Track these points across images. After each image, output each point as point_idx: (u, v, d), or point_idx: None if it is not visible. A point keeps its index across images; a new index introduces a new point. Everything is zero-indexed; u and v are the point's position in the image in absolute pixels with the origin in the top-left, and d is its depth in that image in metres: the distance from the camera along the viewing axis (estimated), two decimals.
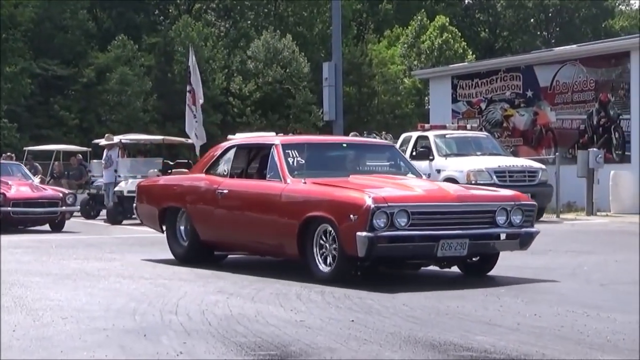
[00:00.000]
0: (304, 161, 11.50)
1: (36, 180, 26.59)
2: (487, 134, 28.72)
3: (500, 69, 33.95)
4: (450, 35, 65.46)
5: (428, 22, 66.98)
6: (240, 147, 13.23)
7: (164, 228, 13.72)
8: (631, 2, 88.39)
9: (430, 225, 10.31)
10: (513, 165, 24.28)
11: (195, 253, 13.05)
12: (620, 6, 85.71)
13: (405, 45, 67.86)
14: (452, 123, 31.49)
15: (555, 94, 31.18)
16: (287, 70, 59.43)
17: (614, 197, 26.86)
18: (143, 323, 8.10)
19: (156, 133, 42.20)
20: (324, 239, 10.42)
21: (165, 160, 26.64)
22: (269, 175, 11.77)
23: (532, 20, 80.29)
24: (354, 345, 7.08)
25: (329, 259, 10.41)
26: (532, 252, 12.31)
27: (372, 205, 9.78)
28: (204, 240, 12.85)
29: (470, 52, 66.09)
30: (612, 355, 6.77)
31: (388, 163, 13.05)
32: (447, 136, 26.14)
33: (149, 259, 14.26)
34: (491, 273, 11.65)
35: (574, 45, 36.37)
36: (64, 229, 22.76)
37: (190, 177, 14.16)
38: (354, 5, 69.35)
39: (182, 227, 13.24)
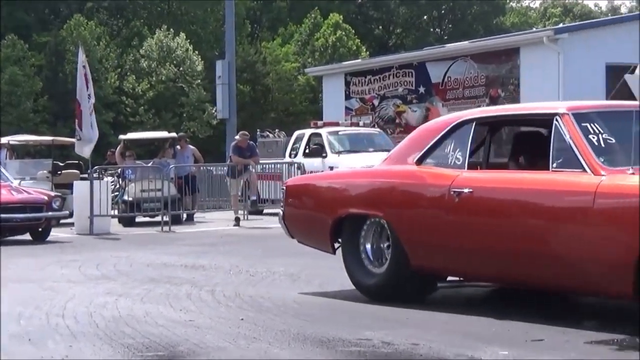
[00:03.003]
0: (613, 140, 7.47)
1: None
2: (379, 130, 29.12)
3: (393, 65, 34.43)
4: (344, 33, 65.77)
5: (322, 19, 67.12)
6: (481, 123, 8.68)
7: (339, 246, 9.37)
8: None
9: None
10: None
11: (399, 284, 8.65)
12: (511, 3, 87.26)
13: (299, 43, 67.98)
14: (345, 120, 31.78)
15: (447, 90, 31.71)
16: (181, 68, 59.45)
17: None
18: (29, 327, 7.90)
19: (47, 133, 41.59)
20: None
21: (55, 162, 26.01)
22: (555, 165, 7.51)
23: (425, 17, 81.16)
24: (243, 343, 7.05)
25: None
26: None
27: None
28: (417, 266, 8.44)
29: (364, 49, 66.47)
30: (498, 346, 6.81)
31: None
32: (339, 133, 26.37)
33: (37, 261, 13.85)
34: None
35: (466, 42, 36.94)
36: None
37: (386, 170, 9.23)
38: (247, 3, 69.31)
39: (368, 246, 8.94)
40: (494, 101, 29.89)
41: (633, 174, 6.96)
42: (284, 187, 10.25)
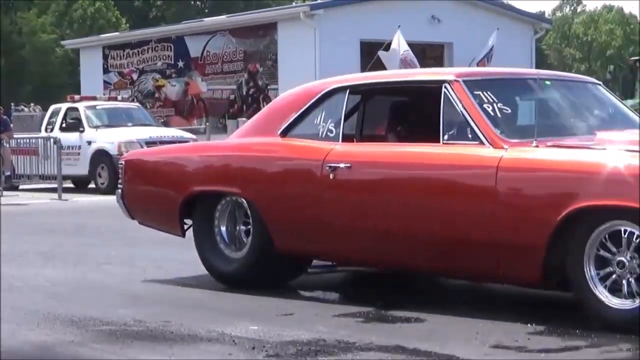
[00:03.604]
0: (510, 111, 6.98)
1: None
2: (138, 105, 28.87)
3: (151, 39, 34.41)
4: (103, 4, 64.66)
5: None
6: (356, 91, 7.89)
7: (189, 227, 8.46)
8: None
9: None
10: (164, 136, 24.35)
11: (261, 270, 7.78)
12: None
13: (57, 14, 66.36)
14: (104, 94, 31.39)
15: (205, 65, 31.88)
16: None
17: None
18: None
19: None
20: (609, 249, 6.01)
21: None
22: (447, 137, 6.80)
23: None
24: None
25: (625, 287, 5.99)
26: None
27: None
28: (283, 249, 7.63)
29: (124, 22, 65.56)
30: (249, 321, 6.74)
31: (605, 111, 7.80)
32: (97, 107, 25.96)
33: None
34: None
35: (224, 16, 37.11)
36: None
37: (245, 143, 8.31)
38: None
39: (223, 228, 8.02)
40: (252, 76, 30.39)
41: (537, 146, 6.40)
42: (123, 162, 8.82)
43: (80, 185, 24.40)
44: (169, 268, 9.57)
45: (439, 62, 30.76)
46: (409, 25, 28.73)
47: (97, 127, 24.51)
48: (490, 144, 6.50)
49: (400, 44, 27.11)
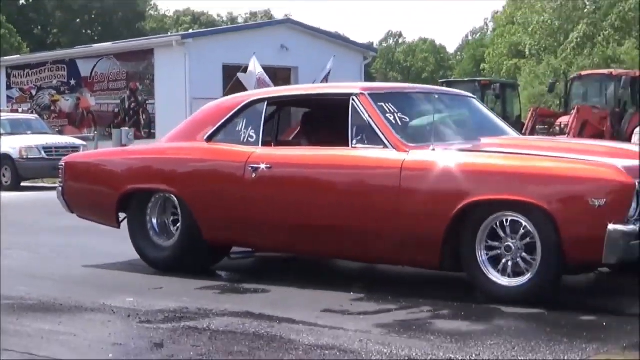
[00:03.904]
0: (408, 120, 6.75)
1: None
2: (36, 116, 28.08)
3: (48, 61, 33.69)
4: (7, 31, 62.76)
5: None
6: (273, 103, 7.57)
7: (123, 219, 7.98)
8: (159, 7, 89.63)
9: None
10: (59, 142, 23.79)
11: (192, 256, 7.42)
12: (150, 11, 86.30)
13: None
14: (7, 107, 30.59)
15: (94, 83, 31.51)
16: None
17: None
18: None
19: None
20: (497, 236, 5.86)
21: None
22: (355, 142, 6.51)
23: (78, 20, 78.80)
24: None
25: (510, 267, 5.87)
26: None
27: (637, 183, 5.42)
28: (211, 238, 7.30)
29: (25, 46, 63.83)
30: (126, 295, 6.59)
31: (481, 120, 7.64)
32: (1, 118, 25.25)
33: None
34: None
35: (110, 43, 36.48)
36: None
37: (176, 147, 7.78)
38: None
39: (154, 220, 7.59)
40: (133, 93, 30.24)
41: (434, 150, 6.20)
42: (63, 164, 8.23)
43: None
44: (62, 253, 9.31)
45: (287, 82, 30.76)
46: (263, 53, 28.67)
47: (1, 135, 23.85)
48: (393, 148, 6.29)
49: (255, 67, 27.10)
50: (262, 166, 6.80)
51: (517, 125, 24.20)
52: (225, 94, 28.58)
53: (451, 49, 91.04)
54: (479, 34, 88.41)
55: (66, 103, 32.00)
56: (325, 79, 29.21)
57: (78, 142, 24.12)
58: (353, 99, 6.64)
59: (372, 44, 51.92)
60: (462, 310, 5.64)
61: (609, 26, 69.43)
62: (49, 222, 12.37)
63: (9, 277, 7.51)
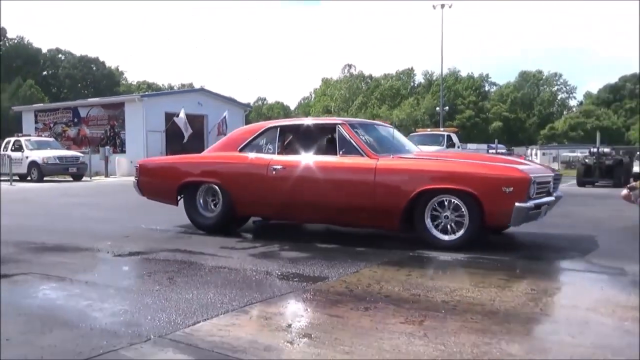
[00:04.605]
0: (372, 139, 6.31)
1: None
2: (53, 139, 26.59)
3: (60, 108, 32.02)
4: (35, 90, 58.08)
5: None
6: (284, 129, 6.88)
7: (179, 199, 7.17)
8: (128, 79, 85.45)
9: (540, 194, 5.67)
10: (67, 154, 22.73)
11: (226, 223, 6.75)
12: (122, 81, 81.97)
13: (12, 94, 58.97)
14: (35, 134, 28.54)
15: (89, 120, 30.08)
16: None
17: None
18: None
19: None
20: (439, 210, 5.49)
21: None
22: (341, 152, 6.07)
23: (79, 84, 74.16)
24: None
25: (449, 229, 5.47)
26: None
27: (532, 178, 5.29)
28: (242, 212, 6.75)
29: (47, 99, 59.36)
30: (106, 240, 6.02)
31: (400, 142, 6.98)
32: (31, 139, 23.68)
33: None
34: None
35: (98, 98, 34.73)
36: None
37: (219, 155, 6.93)
38: None
39: (201, 200, 6.95)
40: (112, 127, 28.86)
41: (393, 158, 5.86)
42: (137, 165, 7.53)
43: (22, 178, 22.03)
44: (69, 217, 8.66)
45: (201, 125, 30.21)
46: (188, 106, 28.26)
47: (31, 149, 22.29)
48: (368, 157, 5.84)
49: (183, 115, 26.52)
50: (279, 167, 6.27)
51: None
52: (166, 129, 27.76)
53: (292, 107, 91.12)
54: (307, 99, 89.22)
55: (72, 132, 30.24)
56: (223, 123, 28.83)
57: (78, 154, 22.97)
58: (338, 126, 6.18)
59: (249, 103, 51.45)
60: (298, 247, 5.56)
61: (374, 98, 71.96)
62: (64, 200, 11.70)
63: (37, 231, 6.99)
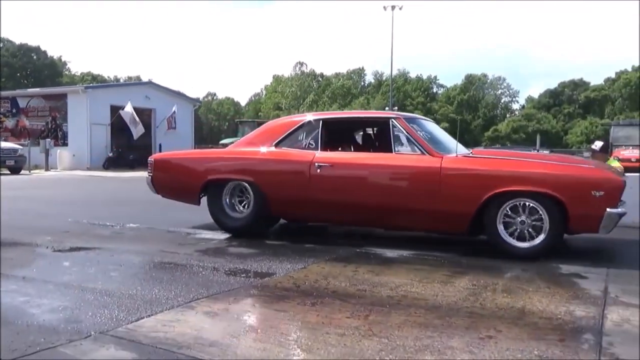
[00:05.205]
0: (428, 135, 5.64)
1: None
2: None
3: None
4: None
5: None
6: (326, 122, 5.99)
7: (202, 200, 6.42)
8: (72, 70, 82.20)
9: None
10: (5, 146, 21.67)
11: (258, 224, 6.05)
12: (66, 72, 79.00)
13: None
14: None
15: (28, 111, 29.14)
16: None
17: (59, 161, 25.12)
18: None
19: None
20: (512, 214, 4.85)
21: None
22: (397, 149, 5.41)
23: (18, 74, 71.04)
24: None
25: (520, 234, 4.86)
26: None
27: (624, 182, 4.73)
28: (277, 213, 6.03)
29: None
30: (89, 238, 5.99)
31: (450, 139, 6.14)
32: None
33: None
34: None
35: (39, 88, 33.42)
36: None
37: (250, 150, 6.13)
38: None
39: (227, 200, 6.18)
40: (54, 118, 27.99)
41: (458, 157, 5.20)
42: (152, 160, 6.62)
43: None
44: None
45: (149, 119, 29.51)
46: (135, 99, 27.65)
47: None
48: (430, 155, 5.21)
49: (129, 108, 25.85)
50: (325, 164, 5.57)
51: None
52: (112, 122, 26.98)
53: (243, 103, 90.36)
54: (258, 95, 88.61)
55: (9, 123, 29.00)
56: (172, 118, 28.27)
57: (17, 146, 21.99)
58: (392, 121, 5.54)
59: (199, 98, 50.62)
60: (247, 244, 5.47)
61: (326, 96, 72.27)
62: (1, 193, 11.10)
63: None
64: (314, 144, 5.86)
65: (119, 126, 26.97)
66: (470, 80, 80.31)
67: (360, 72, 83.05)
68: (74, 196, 10.91)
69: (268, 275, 4.16)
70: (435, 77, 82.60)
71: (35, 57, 72.27)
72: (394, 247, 5.38)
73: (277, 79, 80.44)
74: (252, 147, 6.15)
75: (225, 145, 25.16)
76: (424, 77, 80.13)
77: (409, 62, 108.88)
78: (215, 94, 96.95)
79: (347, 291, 3.72)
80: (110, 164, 25.41)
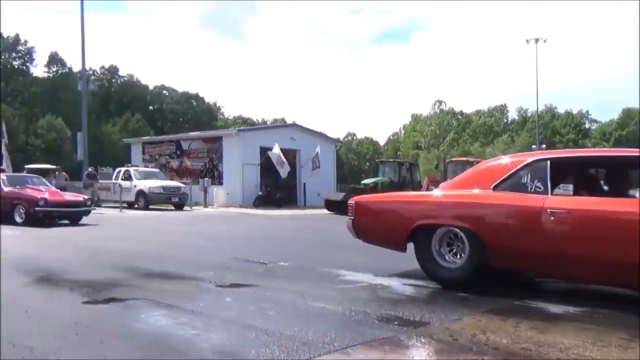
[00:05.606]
0: None
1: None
2: (158, 169, 27.63)
3: (165, 141, 33.41)
4: (142, 125, 62.23)
5: None
6: (555, 162, 5.17)
7: (409, 247, 5.83)
8: (225, 114, 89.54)
9: None
10: (170, 185, 23.81)
11: (475, 275, 5.34)
12: (220, 116, 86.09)
13: (120, 127, 63.56)
14: (143, 165, 30.28)
15: (190, 153, 30.88)
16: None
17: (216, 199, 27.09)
18: None
19: None
20: None
21: None
22: None
23: (181, 119, 79.11)
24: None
25: None
26: None
27: None
28: (497, 265, 5.27)
29: (153, 132, 63.27)
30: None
31: None
32: (139, 169, 25.14)
33: None
34: None
35: (199, 132, 36.46)
36: None
37: (467, 194, 5.45)
38: None
39: (437, 247, 5.57)
40: (211, 159, 29.94)
41: None
42: (353, 202, 6.19)
43: (130, 205, 23.47)
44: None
45: (294, 160, 30.90)
46: (281, 140, 28.56)
47: (139, 179, 23.82)
48: None
49: (276, 149, 27.22)
50: (560, 211, 4.80)
51: (419, 186, 24.13)
52: (261, 162, 28.70)
53: (382, 142, 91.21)
54: (397, 135, 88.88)
55: (175, 163, 31.71)
56: (316, 158, 29.37)
57: (180, 184, 24.22)
58: None
59: (339, 138, 52.16)
60: (393, 287, 5.39)
61: (466, 134, 70.07)
62: (168, 227, 12.23)
63: (147, 258, 7.28)
64: (541, 187, 5.10)
65: (267, 166, 28.45)
66: (628, 114, 73.38)
67: (502, 109, 79.91)
68: (231, 232, 11.68)
69: (422, 325, 4.04)
70: (587, 111, 77.04)
71: (194, 103, 79.99)
72: (556, 300, 4.97)
73: (415, 118, 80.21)
74: (466, 190, 5.51)
75: (367, 185, 25.64)
76: (574, 111, 75.09)
77: (556, 96, 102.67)
78: (354, 134, 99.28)
79: (509, 349, 3.49)
80: (260, 202, 26.72)
